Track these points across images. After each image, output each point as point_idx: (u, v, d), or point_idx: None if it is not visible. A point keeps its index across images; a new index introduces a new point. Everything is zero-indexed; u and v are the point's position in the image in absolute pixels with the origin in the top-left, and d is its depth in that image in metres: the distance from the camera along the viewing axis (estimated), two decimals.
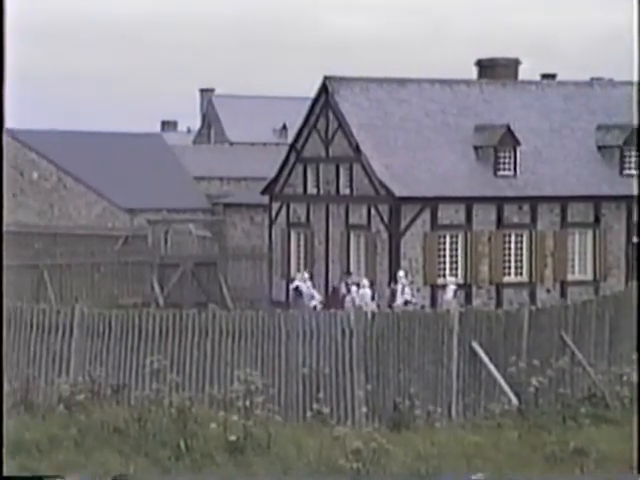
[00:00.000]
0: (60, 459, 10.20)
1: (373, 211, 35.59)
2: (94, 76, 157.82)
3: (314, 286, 34.82)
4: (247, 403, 12.35)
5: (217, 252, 39.41)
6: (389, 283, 34.19)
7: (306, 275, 34.79)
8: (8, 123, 63.51)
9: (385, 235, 35.17)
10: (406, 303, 32.47)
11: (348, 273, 35.08)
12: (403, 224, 34.97)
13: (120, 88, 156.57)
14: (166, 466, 10.70)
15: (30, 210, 57.53)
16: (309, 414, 15.13)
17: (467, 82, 38.90)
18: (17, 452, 10.23)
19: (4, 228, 10.05)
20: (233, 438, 11.43)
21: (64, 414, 12.19)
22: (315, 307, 32.23)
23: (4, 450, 8.95)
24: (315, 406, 15.05)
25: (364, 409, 16.12)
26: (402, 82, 37.81)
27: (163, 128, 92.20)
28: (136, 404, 13.13)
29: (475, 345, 17.54)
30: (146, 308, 23.64)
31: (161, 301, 36.41)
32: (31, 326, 17.78)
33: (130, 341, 17.42)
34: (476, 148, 36.82)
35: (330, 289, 35.64)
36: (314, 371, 16.56)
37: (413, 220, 35.02)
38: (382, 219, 35.29)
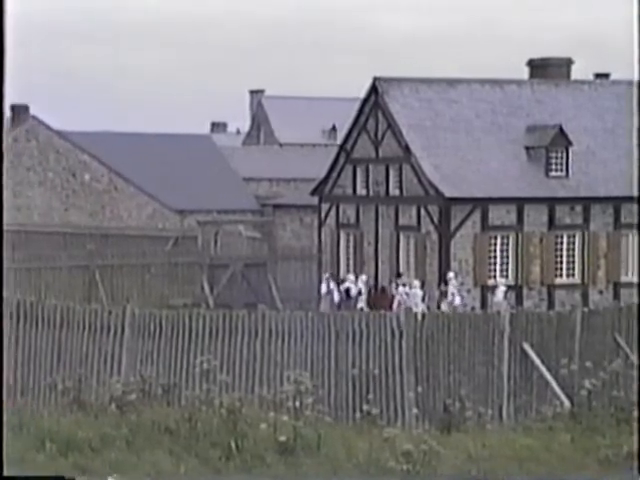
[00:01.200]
0: (112, 458, 10.25)
1: (423, 212, 35.45)
2: (144, 77, 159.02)
3: (360, 288, 34.75)
4: (297, 404, 12.33)
5: (266, 253, 39.51)
6: (439, 284, 34.04)
7: (364, 277, 34.75)
8: (59, 125, 63.58)
9: (435, 236, 35.02)
10: (457, 305, 32.31)
11: (399, 275, 34.99)
12: (453, 225, 34.79)
13: (170, 89, 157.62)
14: (216, 467, 10.71)
15: (82, 211, 58.07)
16: (359, 415, 15.09)
17: (518, 82, 38.61)
18: (70, 450, 10.31)
19: (4, 227, 10.02)
20: (283, 439, 11.42)
21: (116, 413, 12.25)
22: (362, 308, 32.19)
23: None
24: (365, 407, 14.99)
25: (414, 410, 16.04)
26: (452, 83, 37.63)
27: (213, 129, 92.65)
28: (186, 404, 13.16)
29: (526, 347, 17.39)
30: (196, 309, 23.73)
31: (211, 302, 36.57)
32: (83, 326, 17.91)
33: (180, 341, 17.49)
34: (527, 148, 36.54)
35: (379, 290, 35.56)
36: (364, 372, 16.52)
37: (463, 221, 34.83)
38: (432, 220, 35.15)
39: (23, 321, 18.27)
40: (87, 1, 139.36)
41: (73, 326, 17.94)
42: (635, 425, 14.03)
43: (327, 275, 35.18)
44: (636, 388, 16.01)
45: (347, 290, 33.94)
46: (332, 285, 34.16)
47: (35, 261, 36.20)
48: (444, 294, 33.16)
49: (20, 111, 58.14)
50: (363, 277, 34.77)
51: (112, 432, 11.14)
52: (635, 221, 36.35)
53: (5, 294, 20.25)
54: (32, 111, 58.76)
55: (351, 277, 35.06)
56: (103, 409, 12.77)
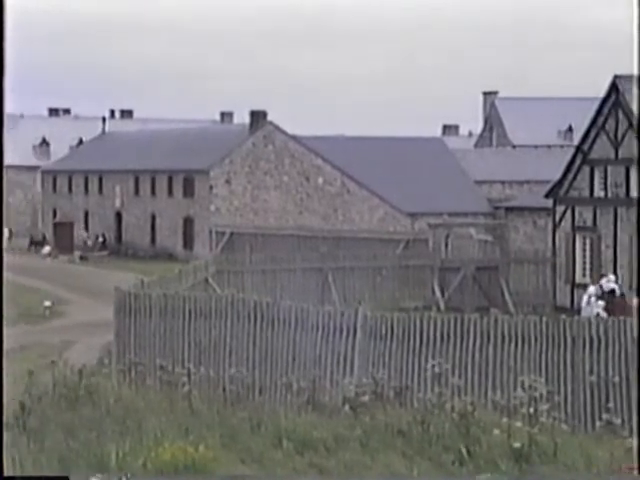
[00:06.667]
0: (346, 458, 10.30)
1: None
2: (378, 80, 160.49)
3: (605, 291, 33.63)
4: (531, 410, 12.02)
5: (498, 256, 38.95)
6: None
7: (611, 277, 33.52)
8: (294, 130, 65.06)
9: None
10: None
11: (602, 275, 33.66)
12: None
13: (403, 93, 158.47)
14: (450, 470, 10.60)
15: (315, 214, 59.21)
16: (598, 424, 14.57)
17: None
18: (306, 449, 10.44)
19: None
20: (517, 445, 11.16)
21: (349, 415, 12.31)
22: (598, 314, 31.13)
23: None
24: (604, 416, 14.46)
25: None
26: None
27: (444, 132, 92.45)
28: (418, 407, 13.10)
29: None
30: (427, 312, 23.64)
31: (442, 305, 36.39)
32: (317, 327, 18.16)
33: (412, 344, 17.44)
34: None
35: (617, 295, 34.35)
36: (602, 380, 15.96)
37: None
38: None
39: (260, 321, 18.72)
40: (307, 9, 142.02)
41: (307, 327, 18.22)
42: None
43: (592, 291, 33.66)
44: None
45: (612, 291, 32.79)
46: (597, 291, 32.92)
47: (270, 263, 37.12)
48: None
49: (259, 117, 59.86)
50: (611, 276, 33.52)
51: (346, 433, 11.19)
52: None
53: (241, 295, 20.82)
54: (270, 117, 60.38)
55: (612, 277, 33.80)
56: (337, 410, 12.87)
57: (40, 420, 10.94)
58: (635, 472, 10.66)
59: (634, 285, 33.77)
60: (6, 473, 8.90)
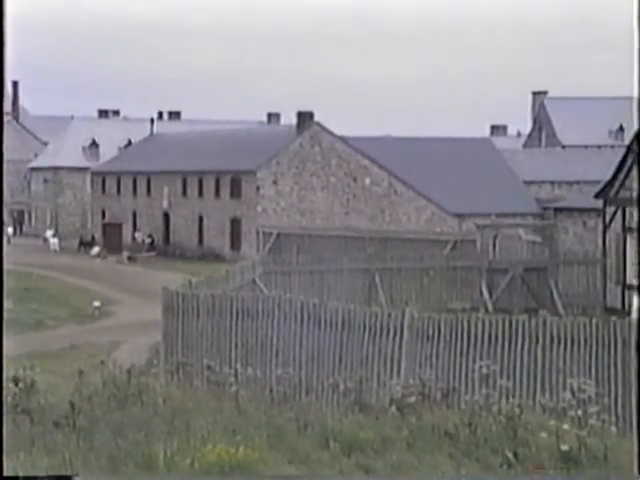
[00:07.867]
0: (393, 459, 10.30)
1: None
2: (421, 82, 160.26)
3: None
4: (580, 413, 11.91)
5: (547, 257, 38.69)
6: None
7: None
8: (341, 131, 65.20)
9: None
10: None
11: None
12: None
13: (451, 93, 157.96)
14: (498, 473, 10.55)
15: (362, 215, 59.21)
16: None
17: None
18: (352, 450, 10.46)
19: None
20: (565, 448, 11.06)
21: (396, 416, 12.30)
22: None
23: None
24: None
25: None
26: None
27: (492, 132, 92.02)
28: (466, 409, 13.04)
29: None
30: (475, 313, 23.55)
31: (490, 306, 36.20)
32: (363, 328, 18.18)
33: (459, 345, 17.41)
34: None
35: None
36: None
37: None
38: None
39: (307, 322, 18.76)
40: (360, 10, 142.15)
41: (354, 328, 18.24)
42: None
43: None
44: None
45: None
46: None
47: (317, 264, 37.16)
48: None
49: (305, 118, 59.98)
50: None
51: (393, 434, 11.18)
52: None
53: (288, 296, 20.88)
54: (316, 118, 60.46)
55: None
56: (384, 411, 12.86)
57: (90, 419, 11.04)
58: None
59: None
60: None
